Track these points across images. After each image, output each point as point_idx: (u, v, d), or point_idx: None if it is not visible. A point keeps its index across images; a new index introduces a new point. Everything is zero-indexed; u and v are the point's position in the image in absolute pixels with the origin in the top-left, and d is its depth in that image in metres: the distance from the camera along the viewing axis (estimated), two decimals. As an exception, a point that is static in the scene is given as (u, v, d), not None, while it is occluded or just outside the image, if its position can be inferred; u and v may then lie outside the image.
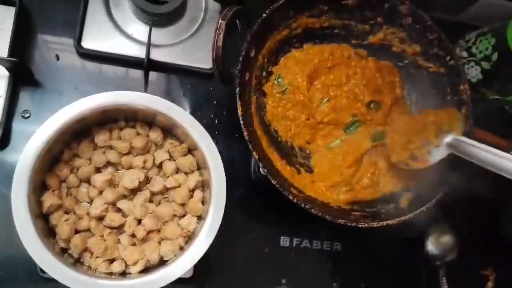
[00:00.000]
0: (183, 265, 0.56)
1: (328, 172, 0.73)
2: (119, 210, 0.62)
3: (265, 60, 0.72)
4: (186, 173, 0.65)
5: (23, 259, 0.54)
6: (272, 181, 0.61)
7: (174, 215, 0.62)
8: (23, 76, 0.71)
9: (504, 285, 0.87)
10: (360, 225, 0.63)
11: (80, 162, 0.62)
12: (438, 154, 0.64)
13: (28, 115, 0.71)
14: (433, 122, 0.66)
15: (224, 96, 0.79)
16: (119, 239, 0.60)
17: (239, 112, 0.62)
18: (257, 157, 0.62)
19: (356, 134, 0.75)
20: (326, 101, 0.74)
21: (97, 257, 0.58)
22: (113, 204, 0.61)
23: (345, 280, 0.79)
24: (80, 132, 0.62)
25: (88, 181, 0.62)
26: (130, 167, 0.63)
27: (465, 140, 0.61)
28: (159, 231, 0.62)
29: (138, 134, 0.64)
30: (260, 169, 0.73)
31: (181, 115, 0.60)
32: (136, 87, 0.76)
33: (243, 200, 0.77)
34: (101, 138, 0.62)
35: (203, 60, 0.78)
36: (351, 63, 0.77)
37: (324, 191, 0.70)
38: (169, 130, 0.65)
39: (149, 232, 0.61)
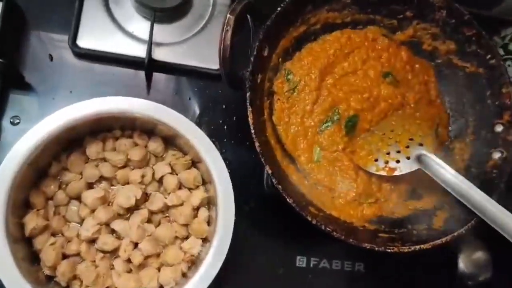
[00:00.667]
0: None
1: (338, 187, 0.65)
2: (113, 231, 0.56)
3: (280, 59, 0.65)
4: (190, 189, 0.58)
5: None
6: (288, 200, 0.54)
7: (176, 237, 0.56)
8: (13, 79, 0.66)
9: (544, 308, 0.79)
10: (389, 250, 0.55)
11: (69, 177, 0.56)
12: (407, 166, 0.63)
13: (17, 121, 0.66)
14: (407, 130, 0.65)
15: (234, 100, 0.73)
16: (113, 265, 0.54)
17: (250, 120, 0.55)
18: (270, 172, 0.54)
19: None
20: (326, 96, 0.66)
21: (87, 286, 0.51)
22: (107, 224, 0.55)
23: (368, 304, 0.71)
24: (70, 142, 0.56)
25: (78, 198, 0.56)
26: (126, 182, 0.57)
27: (434, 158, 0.61)
28: (158, 255, 0.56)
29: (135, 144, 0.58)
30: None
31: (184, 125, 0.54)
32: (138, 90, 0.71)
33: (255, 215, 0.70)
34: (93, 149, 0.56)
35: (211, 60, 0.71)
36: (376, 46, 0.69)
37: (346, 208, 0.62)
38: (171, 140, 0.58)
39: (146, 257, 0.54)
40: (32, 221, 0.51)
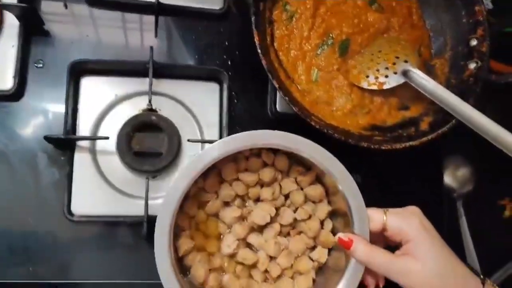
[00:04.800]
0: None
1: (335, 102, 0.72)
2: (248, 244, 0.59)
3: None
4: (314, 202, 0.61)
5: None
6: (294, 109, 0.61)
7: (306, 248, 0.60)
8: (33, 26, 0.70)
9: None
10: (383, 147, 0.64)
11: (206, 197, 0.58)
12: (394, 80, 0.71)
13: (41, 65, 0.70)
14: (394, 50, 0.73)
15: (235, 36, 0.79)
16: (251, 275, 0.59)
17: (257, 41, 0.62)
18: (277, 85, 0.61)
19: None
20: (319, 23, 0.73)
21: (234, 296, 0.57)
22: (243, 239, 0.58)
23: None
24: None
25: (216, 215, 0.59)
26: (257, 198, 0.59)
27: (417, 72, 0.69)
28: (291, 265, 0.60)
29: (264, 163, 0.60)
30: (277, 104, 0.74)
31: (307, 146, 0.56)
32: (146, 31, 0.75)
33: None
34: (228, 171, 0.58)
35: (213, 0, 0.77)
36: None
37: (344, 119, 0.70)
38: (294, 155, 0.59)
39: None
40: (184, 244, 0.55)
